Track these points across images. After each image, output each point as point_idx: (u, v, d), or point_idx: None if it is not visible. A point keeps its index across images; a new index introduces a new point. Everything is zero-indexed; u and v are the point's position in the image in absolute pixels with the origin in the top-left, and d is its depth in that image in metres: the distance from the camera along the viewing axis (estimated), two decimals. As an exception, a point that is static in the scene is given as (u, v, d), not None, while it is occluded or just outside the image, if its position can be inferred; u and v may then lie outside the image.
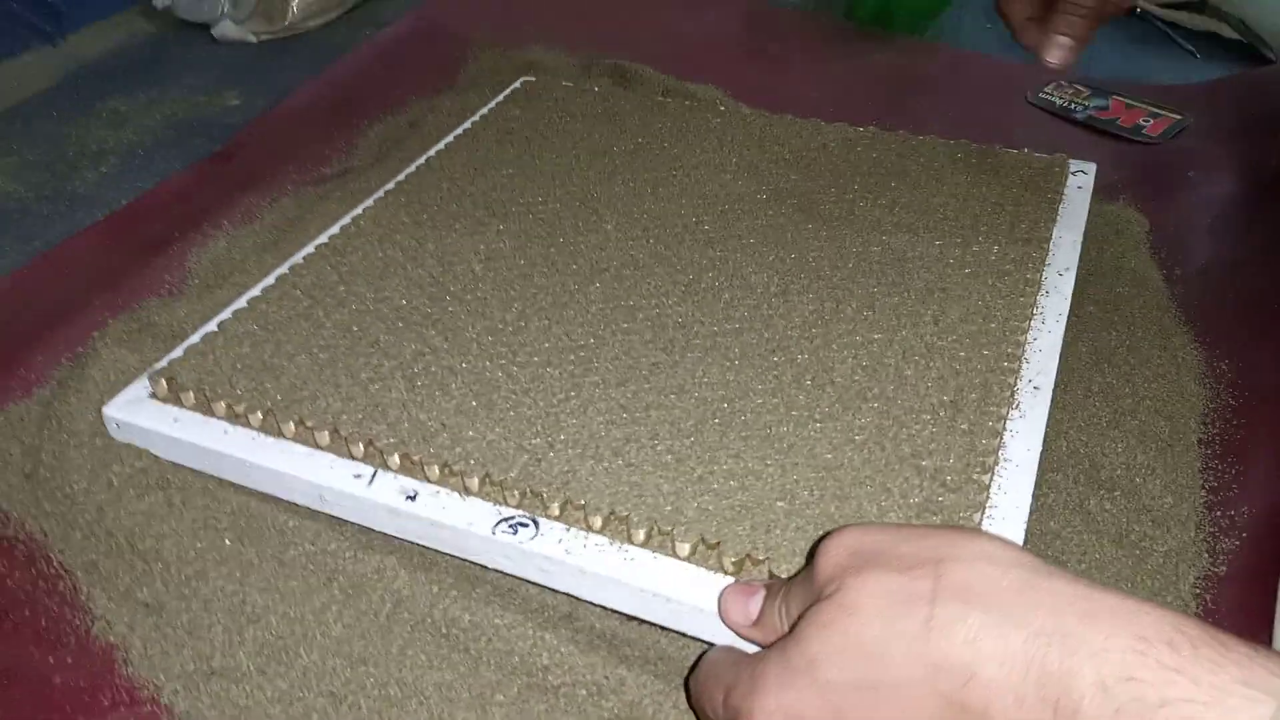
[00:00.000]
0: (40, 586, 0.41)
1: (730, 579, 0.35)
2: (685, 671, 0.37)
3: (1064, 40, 0.49)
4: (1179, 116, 0.72)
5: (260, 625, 0.39)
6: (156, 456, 0.45)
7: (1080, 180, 0.56)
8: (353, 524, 0.42)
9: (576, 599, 0.39)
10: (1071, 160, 0.57)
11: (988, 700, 0.25)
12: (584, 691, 0.36)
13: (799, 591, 0.30)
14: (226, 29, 0.83)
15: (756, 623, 0.32)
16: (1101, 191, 0.58)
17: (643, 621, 0.39)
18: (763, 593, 0.32)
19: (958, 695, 0.25)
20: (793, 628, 0.29)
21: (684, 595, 0.35)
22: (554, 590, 0.40)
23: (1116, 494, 0.43)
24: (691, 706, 0.34)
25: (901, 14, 0.89)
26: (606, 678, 0.36)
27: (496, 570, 0.40)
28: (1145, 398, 0.47)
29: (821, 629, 0.28)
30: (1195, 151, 0.68)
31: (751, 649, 0.33)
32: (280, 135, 0.71)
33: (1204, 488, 0.43)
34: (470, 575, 0.41)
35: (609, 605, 0.37)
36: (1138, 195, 0.63)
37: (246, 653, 0.38)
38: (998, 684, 0.25)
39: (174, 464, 0.44)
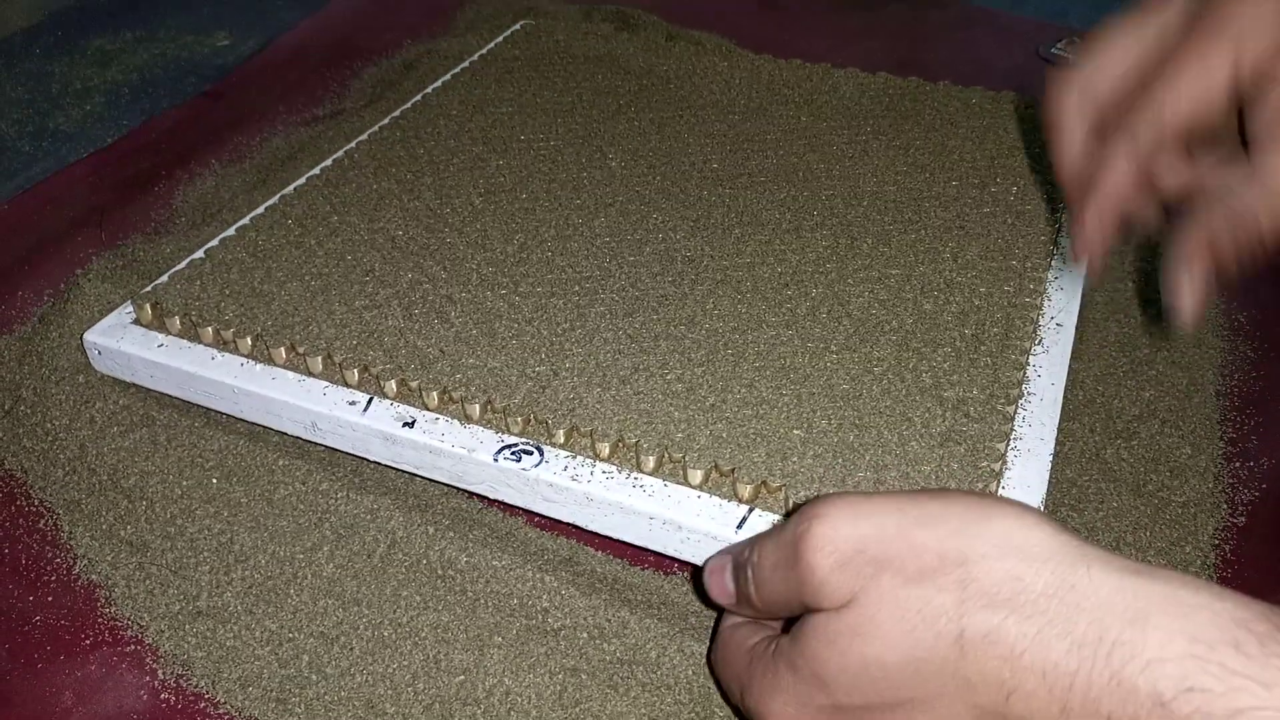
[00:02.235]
0: (20, 525, 0.39)
1: (744, 507, 0.34)
2: (689, 617, 0.36)
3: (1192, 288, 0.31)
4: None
5: (248, 565, 0.37)
6: (141, 393, 0.43)
7: None
8: (345, 466, 0.41)
9: (578, 542, 0.38)
10: None
11: (1030, 713, 0.22)
12: (585, 634, 0.35)
13: (777, 572, 0.26)
14: (216, -30, 0.81)
15: (737, 600, 0.29)
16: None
17: (646, 565, 0.38)
18: (730, 566, 0.30)
19: (998, 710, 0.23)
20: (793, 625, 0.27)
21: (696, 523, 0.34)
22: (557, 524, 0.39)
23: (1134, 444, 0.41)
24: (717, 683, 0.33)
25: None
26: (609, 620, 0.35)
27: (497, 503, 0.38)
28: (1162, 348, 0.46)
29: (834, 649, 0.25)
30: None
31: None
32: (272, 75, 0.69)
33: (1222, 439, 0.42)
34: (467, 517, 0.39)
35: (616, 535, 0.36)
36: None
37: (234, 593, 0.36)
38: (1040, 697, 0.22)
39: (159, 401, 0.43)
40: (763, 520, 0.34)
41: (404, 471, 0.41)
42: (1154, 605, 0.22)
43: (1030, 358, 0.39)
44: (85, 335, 0.42)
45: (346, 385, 0.39)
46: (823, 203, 0.47)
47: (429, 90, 0.57)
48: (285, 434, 0.42)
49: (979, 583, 0.23)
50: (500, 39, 0.64)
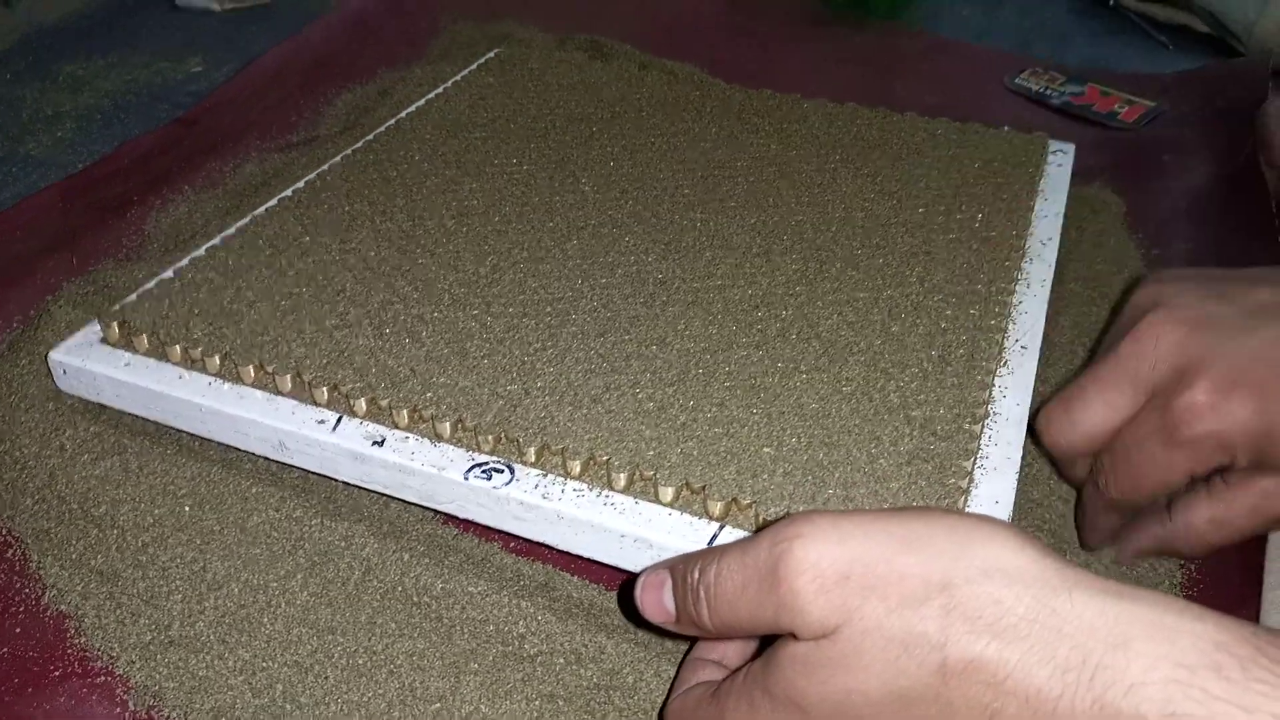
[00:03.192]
0: (-13, 554, 0.39)
1: (715, 525, 0.34)
2: (665, 641, 0.36)
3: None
4: (1153, 103, 0.72)
5: (221, 593, 0.37)
6: (112, 420, 0.43)
7: (1059, 159, 0.56)
8: (318, 492, 0.41)
9: (554, 568, 0.38)
10: (1051, 140, 0.57)
11: None
12: (562, 660, 0.35)
13: (745, 593, 0.26)
14: (189, -4, 0.81)
15: (677, 619, 0.28)
16: (1078, 175, 0.58)
17: (622, 588, 0.38)
18: (669, 581, 0.29)
19: None
20: (763, 653, 0.26)
21: (667, 541, 0.34)
22: (533, 549, 0.39)
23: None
24: None
25: (879, 4, 0.89)
26: (585, 645, 0.35)
27: (472, 528, 0.39)
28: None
29: (814, 679, 0.24)
30: (1169, 138, 0.68)
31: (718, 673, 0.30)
32: (245, 101, 0.68)
33: (1186, 461, 0.43)
34: (442, 543, 0.39)
35: (588, 554, 0.36)
36: (1114, 178, 0.63)
37: (207, 622, 0.36)
38: None
39: (130, 429, 0.42)
40: (734, 536, 0.34)
41: (377, 496, 0.41)
42: (1136, 629, 0.22)
43: (995, 379, 0.39)
44: (50, 354, 0.42)
45: (315, 404, 0.39)
46: (792, 228, 0.48)
47: (402, 115, 0.57)
48: (258, 460, 0.42)
49: (962, 608, 0.23)
50: (474, 66, 0.64)
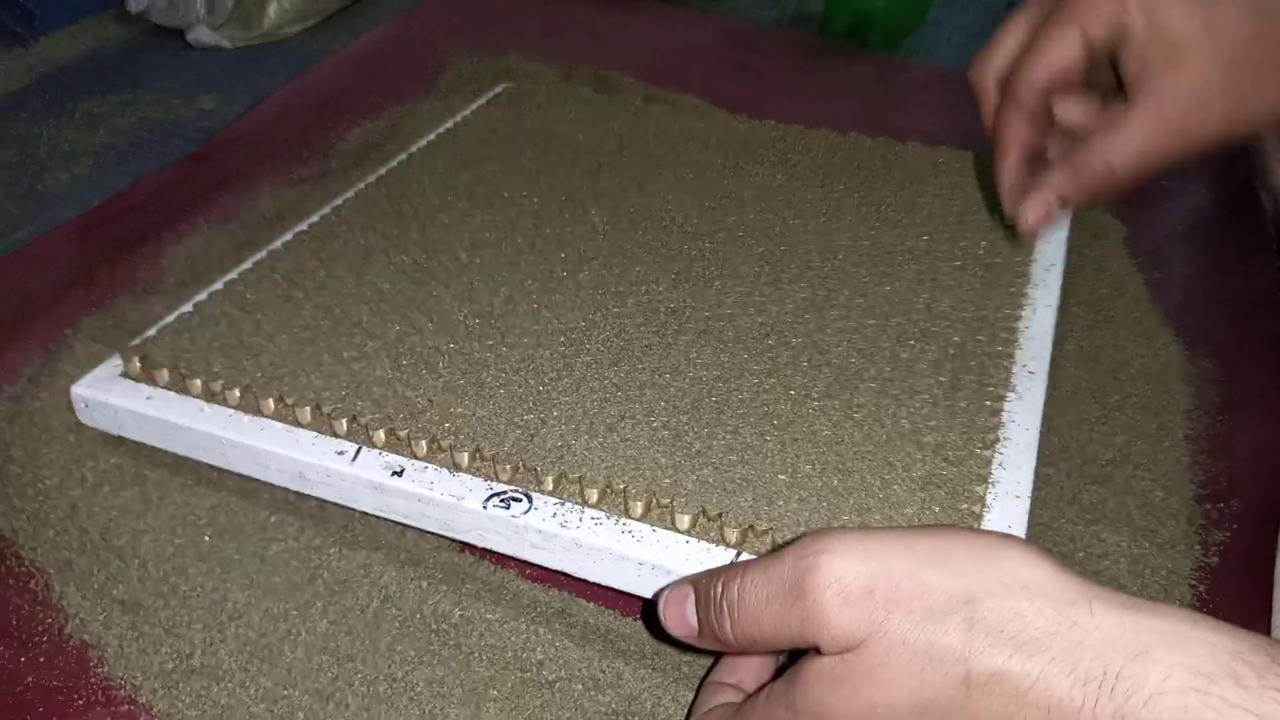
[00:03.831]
0: (10, 585, 0.39)
1: (732, 551, 0.34)
2: (681, 666, 0.36)
3: (1044, 200, 0.39)
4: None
5: (242, 622, 0.37)
6: (132, 452, 0.43)
7: None
8: (337, 521, 0.41)
9: (571, 595, 0.39)
10: None
11: None
12: (580, 686, 0.35)
13: (770, 608, 0.26)
14: (201, 35, 0.82)
15: (700, 634, 0.29)
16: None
17: (638, 615, 0.38)
18: (692, 596, 0.29)
19: None
20: (784, 672, 0.27)
21: (685, 568, 0.34)
22: (550, 576, 0.39)
23: (1109, 487, 0.43)
24: None
25: (876, 30, 0.90)
26: (603, 672, 0.36)
27: (489, 556, 0.39)
28: (1132, 394, 0.48)
29: (839, 694, 0.25)
30: (1168, 163, 0.69)
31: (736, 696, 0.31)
32: (257, 137, 0.70)
33: (1193, 481, 0.44)
34: (459, 571, 0.40)
35: (606, 582, 0.36)
36: (1115, 202, 0.64)
37: (228, 650, 0.37)
38: None
39: (150, 460, 0.43)
40: (748, 558, 0.34)
41: (394, 525, 0.41)
42: (1154, 640, 0.22)
43: (1005, 404, 0.40)
44: (73, 388, 0.42)
45: (335, 435, 0.39)
46: (799, 257, 0.48)
47: (413, 150, 0.59)
48: (276, 490, 0.42)
49: (985, 622, 0.23)
50: (482, 101, 0.65)
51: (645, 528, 0.35)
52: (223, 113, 0.73)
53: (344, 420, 0.39)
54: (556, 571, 0.37)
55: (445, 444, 0.38)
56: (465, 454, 0.37)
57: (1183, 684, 0.22)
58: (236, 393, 0.41)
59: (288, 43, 0.84)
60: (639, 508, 0.35)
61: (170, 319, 0.45)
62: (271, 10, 0.84)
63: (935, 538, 0.25)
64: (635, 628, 0.38)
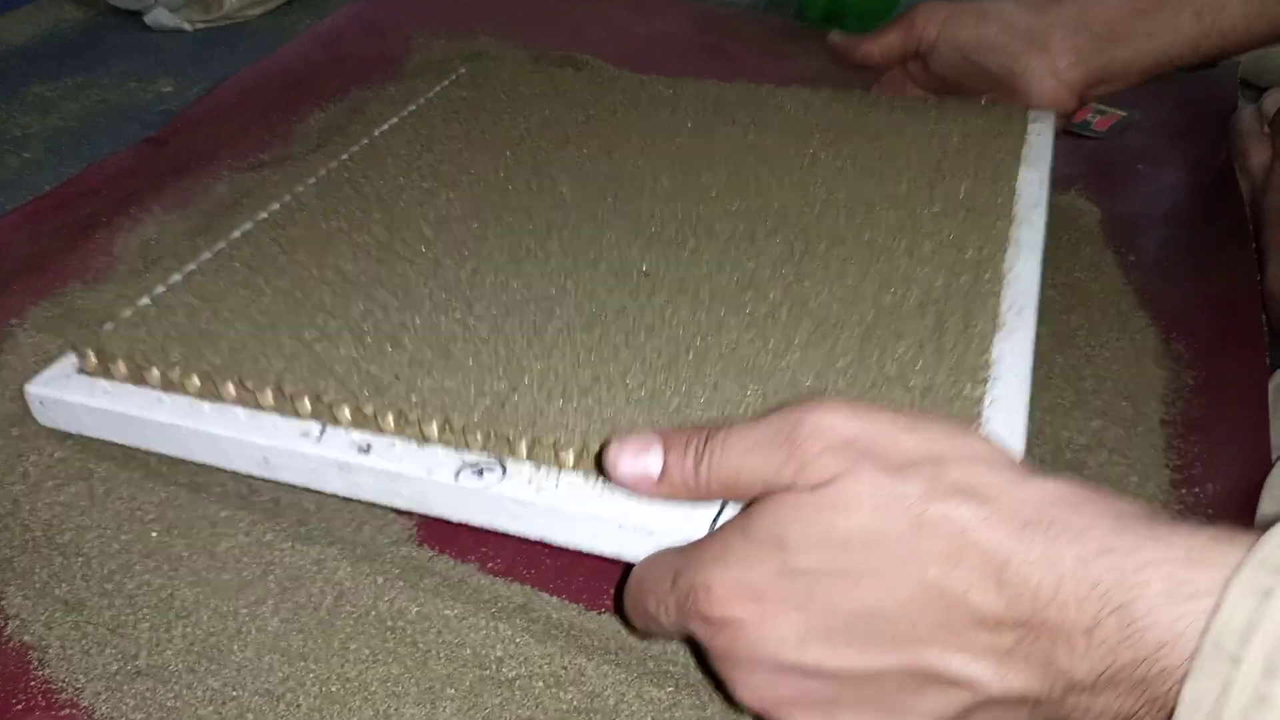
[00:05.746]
0: (-53, 585, 0.38)
1: (716, 504, 0.33)
2: (646, 661, 0.35)
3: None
4: (1125, 113, 0.72)
5: (190, 621, 0.36)
6: (78, 445, 0.42)
7: (1040, 128, 0.55)
8: (290, 516, 0.40)
9: (533, 588, 0.38)
10: (1030, 110, 0.56)
11: (968, 585, 0.25)
12: (541, 683, 0.34)
13: (755, 451, 0.28)
14: (160, 16, 0.80)
15: (662, 477, 0.30)
16: (1053, 184, 0.58)
17: (603, 609, 0.37)
18: (659, 445, 0.30)
19: (938, 582, 0.25)
20: (751, 503, 0.28)
21: (669, 525, 0.33)
22: (511, 569, 0.38)
23: (1084, 473, 0.42)
24: (626, 619, 0.32)
25: (851, 15, 0.89)
26: (565, 668, 0.34)
27: (448, 550, 0.38)
28: (1107, 379, 0.47)
29: (799, 520, 0.27)
30: (1143, 147, 0.69)
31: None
32: (216, 121, 0.68)
33: (1168, 466, 0.43)
34: (417, 565, 0.38)
35: (587, 547, 0.34)
36: (1089, 187, 0.63)
37: (175, 650, 0.35)
38: (979, 571, 0.25)
39: (97, 454, 0.41)
40: (731, 511, 0.32)
41: (349, 518, 0.40)
42: (1089, 499, 0.26)
43: (993, 342, 0.39)
44: (27, 387, 0.41)
45: (298, 416, 0.38)
46: (775, 211, 0.47)
47: (375, 133, 0.57)
48: (227, 484, 0.41)
49: (946, 477, 0.26)
50: (447, 81, 0.64)
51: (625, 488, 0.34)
52: (181, 96, 0.71)
53: (306, 399, 0.37)
54: (518, 564, 0.36)
55: (413, 416, 0.36)
56: (434, 424, 0.36)
57: (1106, 525, 0.25)
58: (195, 379, 0.39)
59: (249, 25, 0.82)
60: None
61: (126, 314, 0.43)
62: (232, -9, 0.82)
63: (915, 415, 0.28)
64: (599, 622, 0.37)
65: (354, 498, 0.37)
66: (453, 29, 0.80)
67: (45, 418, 0.41)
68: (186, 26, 0.81)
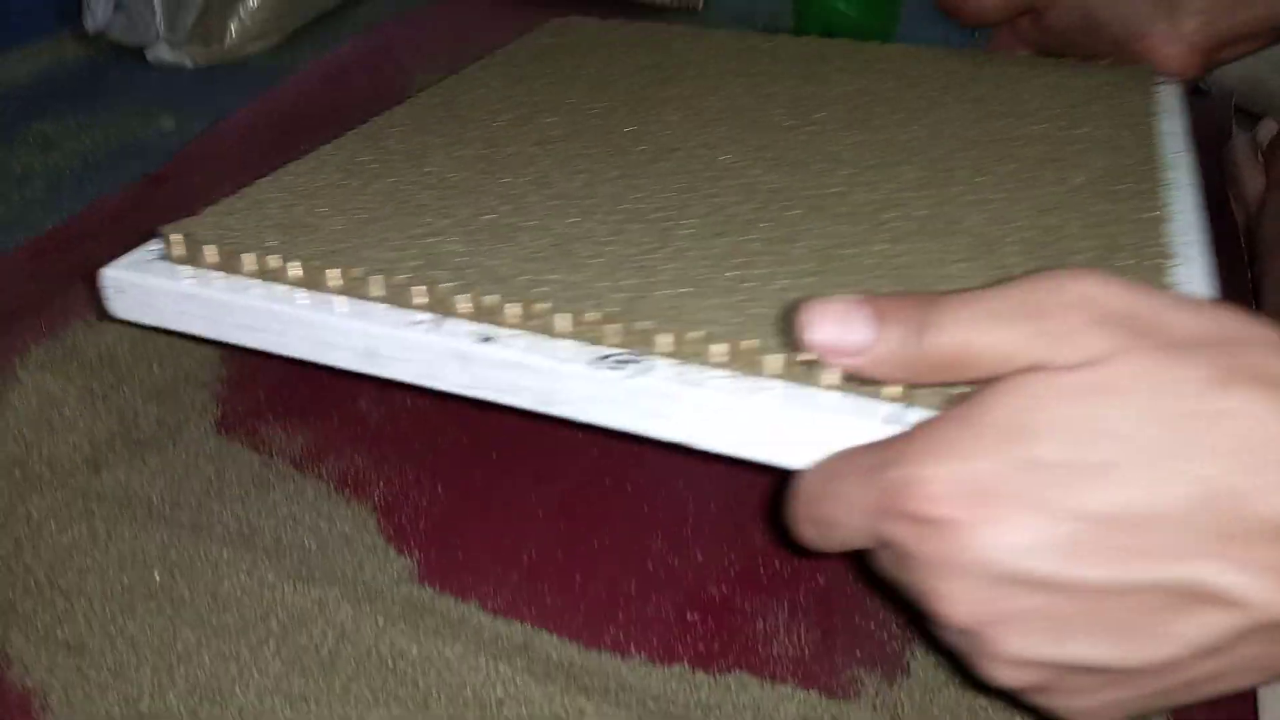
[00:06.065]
0: (-51, 629, 0.38)
1: (889, 406, 0.29)
2: (646, 700, 0.35)
3: None
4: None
5: (192, 664, 0.36)
6: (80, 487, 0.42)
7: (1168, 90, 0.53)
8: (292, 556, 0.40)
9: (533, 627, 0.38)
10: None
11: (1259, 488, 0.22)
12: (541, 724, 0.34)
13: (998, 323, 0.24)
14: (161, 53, 0.81)
15: (869, 349, 0.26)
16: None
17: (603, 647, 0.37)
18: (869, 309, 0.26)
19: (1221, 482, 0.22)
20: (980, 385, 0.25)
21: (836, 424, 0.29)
22: (513, 608, 0.38)
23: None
24: (789, 528, 0.29)
25: (848, 38, 0.90)
26: (565, 709, 0.35)
27: (450, 588, 0.37)
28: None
29: (1052, 405, 0.23)
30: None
31: None
32: (217, 158, 0.68)
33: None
34: (419, 604, 0.38)
35: (733, 451, 0.32)
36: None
37: (177, 694, 0.35)
38: (1274, 472, 0.22)
39: (99, 495, 0.42)
40: (915, 415, 0.29)
41: (351, 558, 0.40)
42: None
43: (1168, 270, 0.36)
44: (103, 271, 0.38)
45: (412, 308, 0.35)
46: (903, 144, 0.45)
47: (453, 75, 0.56)
48: (229, 524, 0.41)
49: (1239, 362, 0.22)
50: (525, 36, 0.63)
51: (782, 384, 0.31)
52: (183, 133, 0.72)
53: (422, 288, 0.35)
54: (521, 600, 0.36)
55: (539, 309, 0.34)
56: (568, 316, 0.33)
57: None
58: (298, 266, 0.36)
59: (251, 61, 0.83)
60: (775, 364, 0.31)
61: (215, 204, 0.41)
62: (233, 27, 0.83)
63: (1175, 295, 0.25)
64: (599, 660, 0.37)
65: (471, 394, 0.35)
66: (457, 65, 0.80)
67: (120, 307, 0.39)
68: (188, 62, 0.82)
